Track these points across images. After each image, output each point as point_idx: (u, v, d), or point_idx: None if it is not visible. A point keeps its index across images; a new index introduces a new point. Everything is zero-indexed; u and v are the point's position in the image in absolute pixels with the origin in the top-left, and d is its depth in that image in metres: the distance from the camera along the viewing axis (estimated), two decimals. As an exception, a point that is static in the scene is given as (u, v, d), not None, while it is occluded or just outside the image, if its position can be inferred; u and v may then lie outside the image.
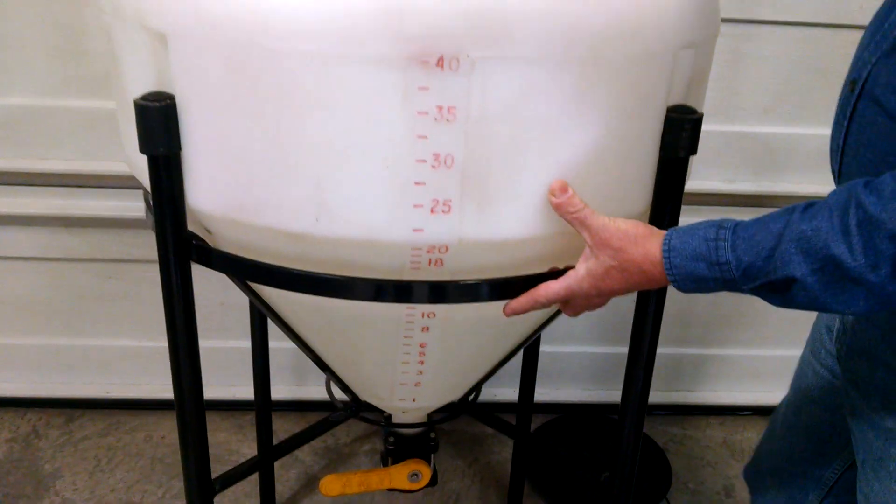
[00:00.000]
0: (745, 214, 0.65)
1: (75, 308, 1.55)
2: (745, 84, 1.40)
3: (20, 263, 1.50)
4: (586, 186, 0.67)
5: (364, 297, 0.70)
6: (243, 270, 0.74)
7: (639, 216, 0.74)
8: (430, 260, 0.68)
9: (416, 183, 0.64)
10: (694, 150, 0.72)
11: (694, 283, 0.63)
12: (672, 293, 0.71)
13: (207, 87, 0.64)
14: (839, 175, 0.71)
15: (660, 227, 0.69)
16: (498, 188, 0.66)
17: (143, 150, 0.67)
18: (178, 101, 0.66)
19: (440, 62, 0.60)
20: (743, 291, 0.62)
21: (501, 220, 0.67)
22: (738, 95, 1.41)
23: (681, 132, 0.71)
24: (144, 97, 0.66)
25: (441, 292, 0.70)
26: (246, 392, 1.45)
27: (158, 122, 0.66)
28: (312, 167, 0.64)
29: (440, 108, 0.62)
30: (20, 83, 1.34)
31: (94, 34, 1.29)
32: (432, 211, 0.65)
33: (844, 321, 0.79)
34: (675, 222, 0.75)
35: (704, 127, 0.72)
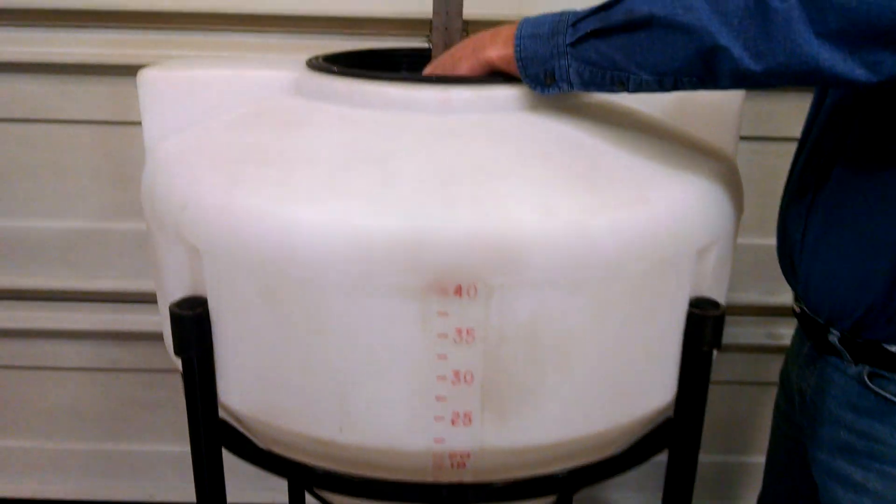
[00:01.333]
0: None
1: (121, 415, 1.60)
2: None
3: (71, 374, 1.55)
4: (606, 384, 0.68)
5: (388, 498, 0.71)
6: (271, 465, 0.76)
7: (665, 408, 0.74)
8: (452, 463, 0.69)
9: (437, 398, 0.65)
10: (718, 345, 0.72)
11: (534, 28, 0.67)
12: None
13: (238, 301, 0.67)
14: None
15: (684, 417, 0.69)
16: (518, 400, 0.67)
17: (176, 352, 0.70)
18: (210, 306, 0.69)
19: (458, 290, 0.62)
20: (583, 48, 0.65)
21: (522, 429, 0.68)
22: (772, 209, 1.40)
23: (704, 328, 0.71)
24: (179, 304, 0.69)
25: (463, 495, 0.71)
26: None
27: (191, 329, 0.69)
28: (337, 383, 0.66)
29: (459, 330, 0.63)
30: (74, 208, 1.41)
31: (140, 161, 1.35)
32: (453, 423, 0.67)
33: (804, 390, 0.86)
34: (702, 412, 0.75)
35: (741, 240, 0.74)
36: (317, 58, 0.84)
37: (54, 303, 1.49)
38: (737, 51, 0.58)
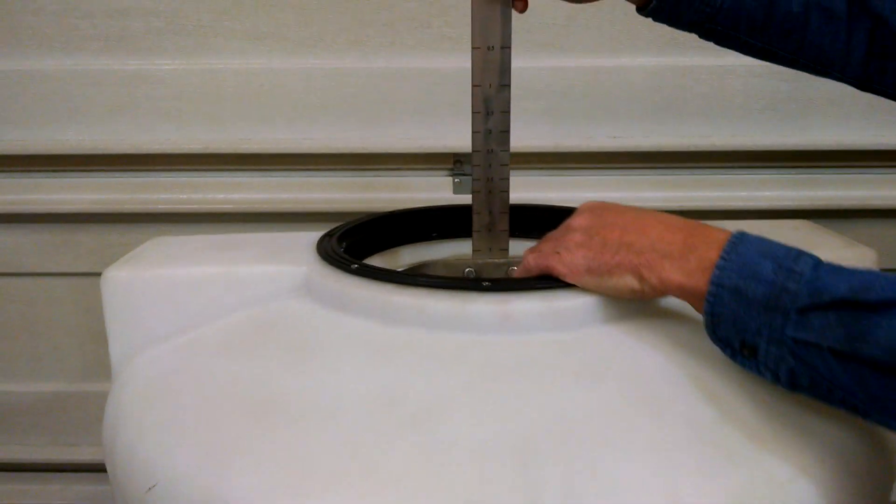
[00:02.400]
0: None
1: None
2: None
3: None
4: None
5: None
6: None
7: None
8: None
9: None
10: None
11: (741, 279, 0.45)
12: None
13: None
14: None
15: None
16: None
17: None
18: None
19: None
20: (783, 327, 0.43)
21: None
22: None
23: None
24: None
25: None
26: None
27: None
28: None
29: None
30: (49, 369, 1.23)
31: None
32: None
33: None
34: None
35: None
36: (330, 235, 0.67)
37: (26, 474, 1.28)
38: None
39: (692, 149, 1.05)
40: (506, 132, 0.66)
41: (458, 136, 1.05)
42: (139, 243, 1.06)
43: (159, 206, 1.07)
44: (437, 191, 1.08)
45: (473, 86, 0.64)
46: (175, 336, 0.59)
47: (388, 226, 0.75)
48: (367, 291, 0.55)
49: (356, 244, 0.71)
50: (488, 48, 0.63)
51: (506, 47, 0.63)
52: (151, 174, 1.08)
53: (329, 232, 0.68)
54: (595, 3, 0.65)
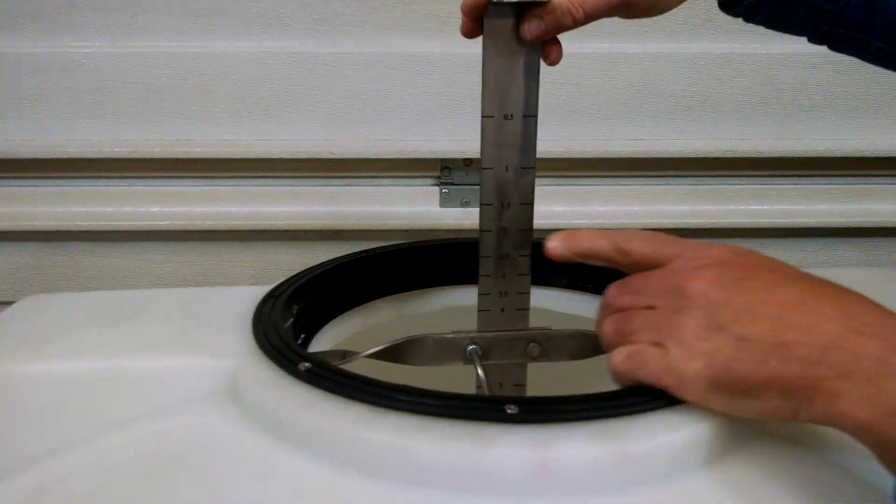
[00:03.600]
0: None
1: None
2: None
3: None
4: None
5: None
6: None
7: None
8: None
9: None
10: None
11: None
12: None
13: None
14: None
15: None
16: None
17: None
18: None
19: None
20: None
21: None
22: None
23: None
24: None
25: None
26: None
27: None
28: None
29: None
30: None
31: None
32: None
33: None
34: None
35: None
36: (275, 296, 0.47)
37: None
38: None
39: (730, 154, 0.87)
40: (527, 231, 0.47)
41: (447, 138, 0.86)
42: (50, 267, 0.88)
43: (76, 223, 0.87)
44: (421, 203, 0.89)
45: (483, 168, 0.45)
46: (22, 470, 0.39)
47: (361, 272, 0.56)
48: (321, 418, 0.36)
49: (317, 302, 0.51)
50: (505, 117, 0.44)
51: (530, 116, 0.45)
52: (66, 182, 0.88)
53: (274, 290, 0.49)
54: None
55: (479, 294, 0.48)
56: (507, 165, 0.46)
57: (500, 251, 0.47)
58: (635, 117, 0.87)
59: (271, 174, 0.88)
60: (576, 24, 0.44)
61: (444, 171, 0.88)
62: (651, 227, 0.86)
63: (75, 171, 0.87)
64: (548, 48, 0.45)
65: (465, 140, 0.86)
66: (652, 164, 0.89)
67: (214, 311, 0.47)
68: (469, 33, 0.45)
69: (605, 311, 0.40)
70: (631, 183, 0.90)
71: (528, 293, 0.48)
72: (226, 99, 0.84)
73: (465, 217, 0.88)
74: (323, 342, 0.52)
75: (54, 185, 0.88)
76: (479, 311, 0.48)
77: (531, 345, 0.49)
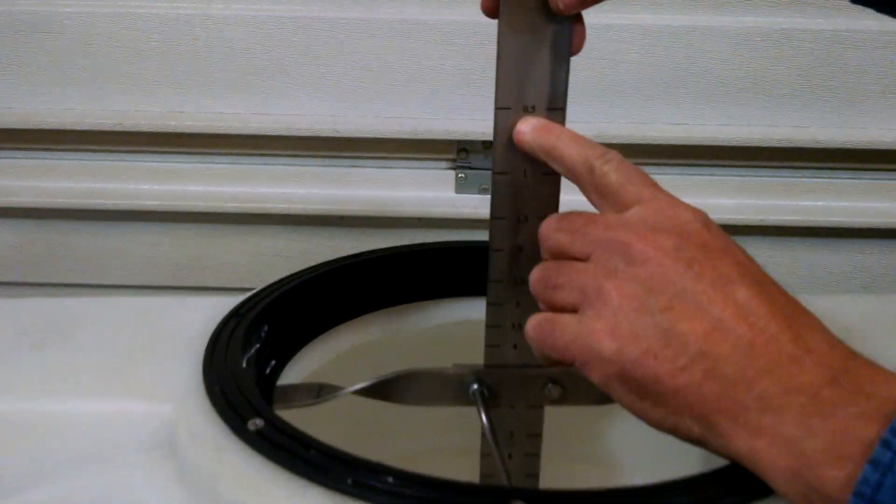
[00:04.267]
0: None
1: None
2: None
3: None
4: None
5: None
6: None
7: None
8: None
9: None
10: None
11: None
12: None
13: None
14: None
15: None
16: None
17: None
18: None
19: None
20: None
21: None
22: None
23: None
24: None
25: None
26: None
27: None
28: None
29: None
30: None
31: None
32: None
33: None
34: None
35: None
36: (240, 315, 0.39)
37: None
38: None
39: (785, 143, 0.77)
40: None
41: (466, 117, 0.77)
42: (30, 247, 0.81)
43: (58, 200, 0.79)
44: (435, 188, 0.81)
45: (495, 173, 0.37)
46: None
47: (347, 282, 0.48)
48: (266, 501, 0.28)
49: (293, 320, 0.43)
50: (524, 109, 0.35)
51: (556, 109, 0.36)
52: (47, 155, 0.80)
53: (241, 306, 0.41)
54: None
55: (487, 326, 0.40)
56: (525, 170, 0.37)
57: (513, 275, 0.39)
58: (679, 99, 0.77)
59: (271, 152, 0.80)
60: None
61: (462, 154, 0.79)
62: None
63: (56, 142, 0.79)
64: (575, 27, 0.36)
65: (485, 120, 0.77)
66: (696, 152, 0.79)
67: (165, 331, 0.40)
68: (490, 7, 0.36)
69: (541, 245, 0.35)
70: (672, 172, 0.80)
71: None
72: (221, 68, 0.76)
73: (483, 205, 0.79)
74: (300, 367, 0.44)
75: (34, 158, 0.80)
76: (486, 346, 0.40)
77: (550, 385, 0.40)
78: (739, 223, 0.79)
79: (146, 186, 0.80)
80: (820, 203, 0.80)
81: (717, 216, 0.78)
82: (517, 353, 0.40)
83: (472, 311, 0.51)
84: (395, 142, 0.78)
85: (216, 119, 0.77)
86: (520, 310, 0.39)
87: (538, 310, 0.37)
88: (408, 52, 0.75)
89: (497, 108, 0.37)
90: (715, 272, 0.29)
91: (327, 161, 0.80)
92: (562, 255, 0.33)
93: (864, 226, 0.80)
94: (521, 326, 0.39)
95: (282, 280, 0.45)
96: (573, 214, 0.34)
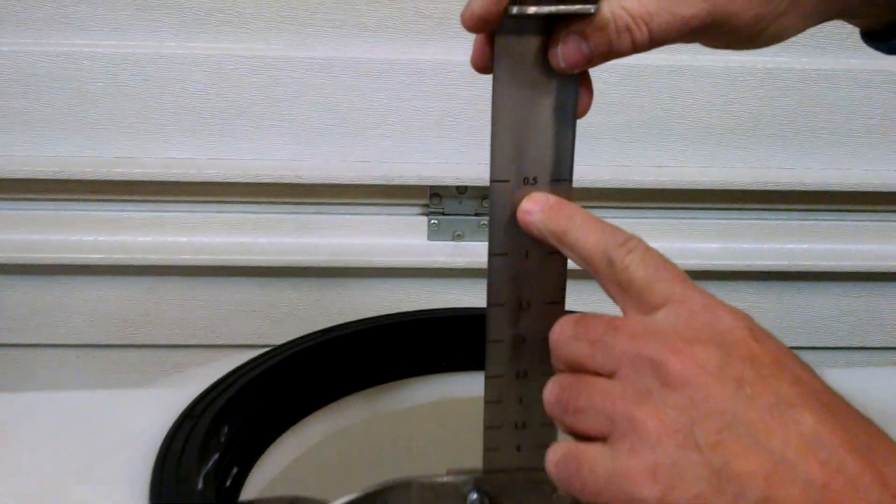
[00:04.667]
0: None
1: None
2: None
3: None
4: None
5: None
6: None
7: None
8: None
9: None
10: None
11: None
12: None
13: None
14: None
15: None
16: None
17: None
18: None
19: None
20: None
21: None
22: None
23: None
24: None
25: None
26: None
27: None
28: None
29: None
30: None
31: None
32: None
33: None
34: None
35: None
36: (190, 419, 0.34)
37: None
38: None
39: (771, 186, 0.74)
40: None
41: (438, 161, 0.73)
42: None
43: (-6, 255, 0.72)
44: (406, 236, 0.76)
45: (492, 255, 0.32)
46: None
47: (316, 363, 0.42)
48: None
49: (258, 414, 0.38)
50: (524, 181, 0.31)
51: (562, 181, 0.32)
52: (-18, 207, 0.73)
53: (194, 406, 0.35)
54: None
55: (486, 427, 0.35)
56: (527, 251, 0.33)
57: (515, 369, 0.34)
58: (661, 141, 0.74)
59: (228, 199, 0.74)
60: (636, 48, 0.31)
61: (434, 199, 0.75)
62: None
63: (-8, 192, 0.72)
64: (582, 87, 0.32)
65: (458, 164, 0.73)
66: (679, 196, 0.76)
67: (104, 442, 0.34)
68: (483, 63, 0.31)
69: (554, 354, 0.29)
70: (653, 216, 0.77)
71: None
72: (174, 110, 0.70)
73: (458, 252, 0.75)
74: (267, 468, 0.38)
75: (-34, 208, 0.73)
76: (485, 449, 0.35)
77: (555, 495, 0.36)
78: (724, 268, 0.76)
79: (90, 238, 0.74)
80: (805, 246, 0.77)
81: (700, 261, 0.76)
82: (520, 456, 0.35)
83: (456, 387, 0.46)
84: (363, 187, 0.73)
85: (168, 165, 0.71)
86: (522, 407, 0.34)
87: (542, 406, 0.32)
88: (376, 93, 0.70)
89: (493, 181, 0.32)
90: (771, 394, 0.24)
91: (290, 208, 0.74)
92: (580, 369, 0.28)
93: (851, 269, 0.77)
94: (524, 426, 0.35)
95: (241, 367, 0.39)
96: (591, 319, 0.28)
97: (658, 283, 0.27)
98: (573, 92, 0.32)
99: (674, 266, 0.28)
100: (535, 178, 0.32)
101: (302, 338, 0.44)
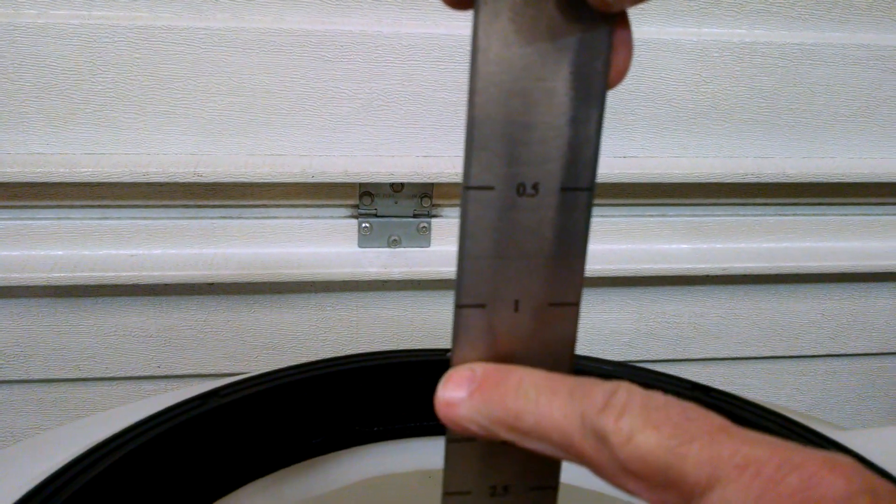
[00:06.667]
0: None
1: None
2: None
3: None
4: None
5: None
6: None
7: None
8: None
9: None
10: None
11: None
12: None
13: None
14: None
15: None
16: None
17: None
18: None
19: None
20: None
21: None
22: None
23: None
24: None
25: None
26: None
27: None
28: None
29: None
30: None
31: None
32: None
33: None
34: None
35: None
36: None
37: None
38: None
39: (751, 178, 0.65)
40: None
41: (367, 154, 0.61)
42: None
43: None
44: (332, 243, 0.64)
45: (459, 306, 0.21)
46: None
47: (207, 436, 0.30)
48: None
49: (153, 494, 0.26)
50: (519, 190, 0.21)
51: (578, 189, 0.21)
52: None
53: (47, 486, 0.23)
54: None
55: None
56: (516, 300, 0.22)
57: (487, 482, 0.23)
58: (624, 128, 0.64)
59: (111, 203, 0.61)
60: None
61: (365, 199, 0.63)
62: (642, 273, 0.65)
63: None
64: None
65: (392, 156, 0.61)
66: (645, 190, 0.66)
67: None
68: None
69: None
70: (617, 214, 0.67)
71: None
72: (37, 94, 0.57)
73: (393, 262, 0.63)
74: None
75: None
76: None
77: None
78: (697, 272, 0.67)
79: (-61, 253, 0.60)
80: (784, 245, 0.69)
81: (667, 266, 0.66)
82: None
83: (394, 460, 0.34)
84: (278, 186, 0.61)
85: (34, 163, 0.57)
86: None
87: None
88: (291, 72, 0.58)
89: (468, 188, 0.21)
90: None
91: (189, 212, 0.62)
92: None
93: (833, 270, 0.69)
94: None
95: (112, 439, 0.27)
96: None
97: (689, 446, 0.17)
98: (604, 46, 0.21)
99: (695, 408, 0.18)
100: (534, 186, 0.21)
101: (188, 400, 0.32)
